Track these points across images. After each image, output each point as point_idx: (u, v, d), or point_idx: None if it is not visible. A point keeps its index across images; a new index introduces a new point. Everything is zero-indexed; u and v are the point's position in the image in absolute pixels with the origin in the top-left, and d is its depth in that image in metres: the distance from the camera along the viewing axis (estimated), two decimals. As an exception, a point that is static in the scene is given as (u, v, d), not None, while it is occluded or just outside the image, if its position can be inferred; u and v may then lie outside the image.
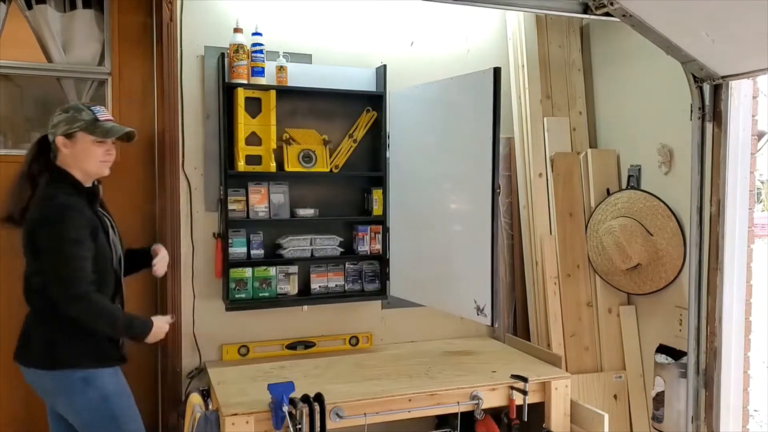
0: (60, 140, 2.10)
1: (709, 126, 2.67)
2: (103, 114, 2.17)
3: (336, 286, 3.08)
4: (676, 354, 2.92)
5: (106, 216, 2.21)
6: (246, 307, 2.93)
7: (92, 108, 2.16)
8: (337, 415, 2.37)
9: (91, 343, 2.09)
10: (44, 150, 2.14)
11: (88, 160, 2.13)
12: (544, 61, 3.35)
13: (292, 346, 3.06)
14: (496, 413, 2.71)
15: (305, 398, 2.31)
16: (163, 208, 2.84)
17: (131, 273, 2.35)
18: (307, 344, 3.08)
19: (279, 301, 2.98)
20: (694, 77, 2.64)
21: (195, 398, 2.54)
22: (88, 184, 2.16)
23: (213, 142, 2.92)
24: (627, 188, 3.19)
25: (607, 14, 2.53)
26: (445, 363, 2.90)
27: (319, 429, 2.30)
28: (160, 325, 2.19)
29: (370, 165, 3.15)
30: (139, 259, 2.39)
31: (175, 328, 2.79)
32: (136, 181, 2.91)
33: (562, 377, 2.73)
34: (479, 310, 2.58)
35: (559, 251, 3.26)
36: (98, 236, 2.09)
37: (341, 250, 3.07)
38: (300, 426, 2.28)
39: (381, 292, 3.13)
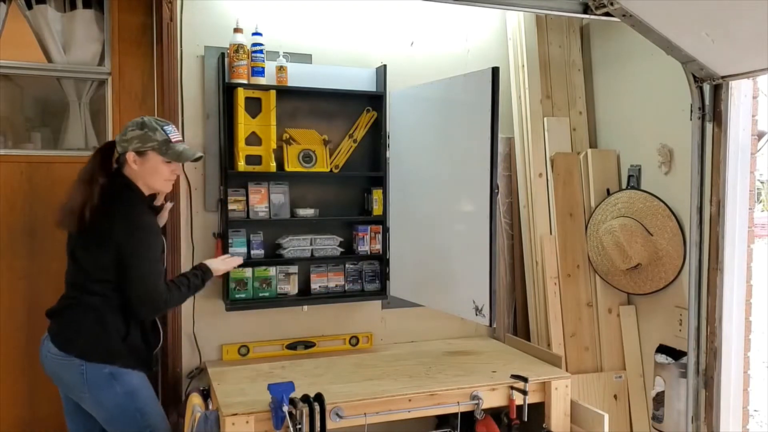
0: (131, 156, 2.21)
1: (709, 126, 2.67)
2: (175, 134, 2.28)
3: (336, 286, 3.08)
4: (676, 354, 2.92)
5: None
6: (246, 307, 2.93)
7: (165, 128, 2.26)
8: (337, 415, 2.37)
9: (126, 348, 2.19)
10: (108, 156, 2.24)
11: (154, 178, 2.26)
12: (544, 61, 3.35)
13: (292, 346, 3.06)
14: (496, 413, 2.71)
15: (305, 398, 2.31)
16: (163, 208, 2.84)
17: None
18: (307, 344, 3.08)
19: (279, 301, 2.98)
20: (694, 77, 2.64)
21: (195, 398, 2.54)
22: (147, 193, 2.30)
23: (213, 142, 2.92)
24: (627, 188, 3.19)
25: (607, 14, 2.53)
26: (445, 363, 2.90)
27: (319, 429, 2.30)
28: (217, 267, 2.46)
29: (370, 165, 3.14)
30: None
31: (175, 329, 2.80)
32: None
33: (562, 377, 2.73)
34: (478, 311, 2.58)
35: (559, 251, 3.26)
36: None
37: (341, 250, 3.07)
38: (300, 426, 2.27)
39: (381, 292, 3.13)
